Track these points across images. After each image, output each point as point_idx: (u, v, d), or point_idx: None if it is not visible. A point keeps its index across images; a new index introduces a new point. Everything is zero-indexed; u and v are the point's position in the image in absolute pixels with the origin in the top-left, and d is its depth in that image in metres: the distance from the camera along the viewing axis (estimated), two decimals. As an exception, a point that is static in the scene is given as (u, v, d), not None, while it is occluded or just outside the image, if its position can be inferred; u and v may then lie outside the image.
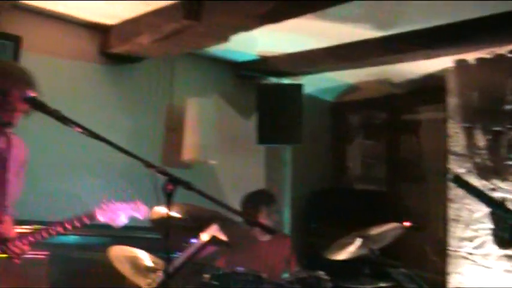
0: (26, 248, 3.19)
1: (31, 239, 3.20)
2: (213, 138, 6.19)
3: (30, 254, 4.54)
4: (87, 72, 5.74)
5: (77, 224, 3.26)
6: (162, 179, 2.85)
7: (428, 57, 5.79)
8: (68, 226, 3.24)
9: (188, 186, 2.85)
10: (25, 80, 3.08)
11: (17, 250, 3.15)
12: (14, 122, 3.08)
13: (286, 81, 6.79)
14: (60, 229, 3.23)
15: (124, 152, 2.88)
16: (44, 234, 3.22)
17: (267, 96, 6.58)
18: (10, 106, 3.02)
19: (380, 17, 5.22)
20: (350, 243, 4.91)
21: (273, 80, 6.81)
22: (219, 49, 5.94)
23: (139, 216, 3.48)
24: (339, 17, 5.11)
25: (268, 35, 5.54)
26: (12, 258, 3.16)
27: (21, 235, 3.21)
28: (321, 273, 4.53)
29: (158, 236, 4.64)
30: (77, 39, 5.66)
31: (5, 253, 3.13)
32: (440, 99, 6.33)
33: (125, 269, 4.34)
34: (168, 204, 2.83)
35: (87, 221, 3.30)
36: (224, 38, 5.24)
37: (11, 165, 3.21)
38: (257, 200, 5.26)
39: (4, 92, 3.01)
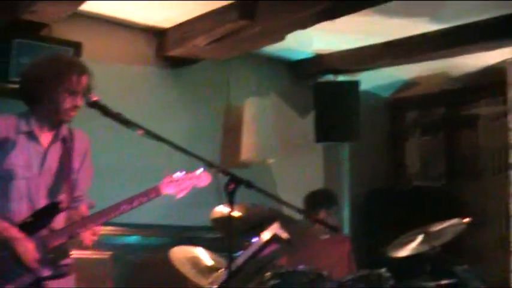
0: (98, 230, 3.22)
1: (102, 218, 3.21)
2: (271, 137, 6.19)
3: (95, 255, 4.70)
4: (144, 76, 5.80)
5: (144, 199, 3.24)
6: (223, 179, 2.88)
7: (486, 49, 5.69)
8: (136, 202, 3.23)
9: (249, 185, 2.88)
10: (79, 65, 3.19)
11: (89, 233, 3.19)
12: (78, 104, 3.16)
13: (342, 78, 6.76)
14: (127, 206, 3.21)
15: (186, 153, 2.92)
16: (113, 212, 3.22)
17: (323, 94, 6.55)
18: (71, 90, 3.11)
19: (435, 10, 5.16)
20: (411, 240, 4.87)
21: (330, 77, 6.78)
22: (275, 48, 5.95)
23: (203, 184, 3.43)
24: (393, 11, 5.07)
25: (323, 32, 5.52)
26: (84, 247, 3.21)
27: (91, 217, 3.22)
28: (383, 271, 4.50)
29: (219, 236, 4.69)
30: (134, 44, 5.74)
31: (77, 237, 3.17)
32: (500, 93, 6.23)
33: (187, 270, 4.39)
34: (230, 203, 2.86)
35: (153, 196, 3.26)
36: (280, 37, 5.25)
37: (75, 154, 3.29)
38: (317, 201, 5.20)
39: (64, 78, 3.10)
